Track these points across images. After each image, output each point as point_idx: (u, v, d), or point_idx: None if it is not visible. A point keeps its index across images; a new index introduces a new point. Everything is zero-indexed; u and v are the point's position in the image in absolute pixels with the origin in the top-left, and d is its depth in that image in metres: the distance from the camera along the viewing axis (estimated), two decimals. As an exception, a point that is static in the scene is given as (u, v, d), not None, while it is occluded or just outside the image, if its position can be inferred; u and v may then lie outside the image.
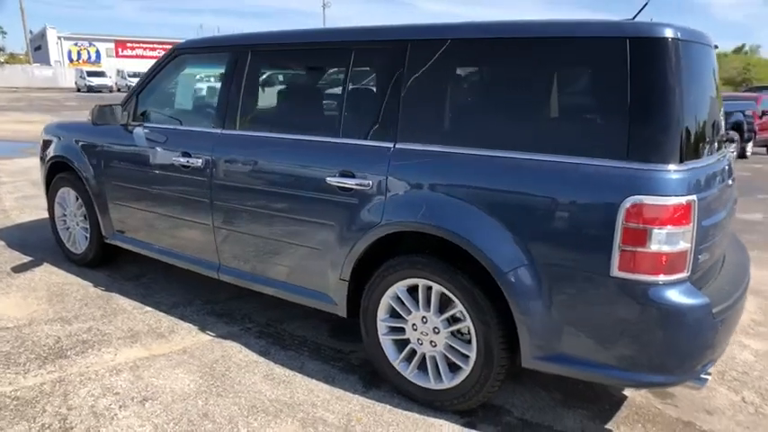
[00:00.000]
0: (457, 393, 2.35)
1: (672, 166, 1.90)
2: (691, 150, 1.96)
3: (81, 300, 3.50)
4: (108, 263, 4.05)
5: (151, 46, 49.43)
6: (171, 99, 3.51)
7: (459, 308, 2.28)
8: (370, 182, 2.40)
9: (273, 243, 2.84)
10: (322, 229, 2.60)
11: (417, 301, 2.40)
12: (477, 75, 2.36)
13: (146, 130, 3.35)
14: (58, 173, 4.04)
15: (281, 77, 3.10)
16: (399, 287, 2.43)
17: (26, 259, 4.19)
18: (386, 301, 2.48)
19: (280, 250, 2.83)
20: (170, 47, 3.47)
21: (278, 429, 2.28)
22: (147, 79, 3.48)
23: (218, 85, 3.11)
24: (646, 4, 2.45)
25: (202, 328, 3.16)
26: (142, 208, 3.45)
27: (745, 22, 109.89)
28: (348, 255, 2.52)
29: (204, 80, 3.74)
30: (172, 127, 3.29)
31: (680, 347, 1.95)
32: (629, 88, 1.92)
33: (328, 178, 2.52)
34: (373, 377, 2.68)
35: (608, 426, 2.37)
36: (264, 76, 2.99)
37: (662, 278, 1.90)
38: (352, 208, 2.47)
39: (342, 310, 2.65)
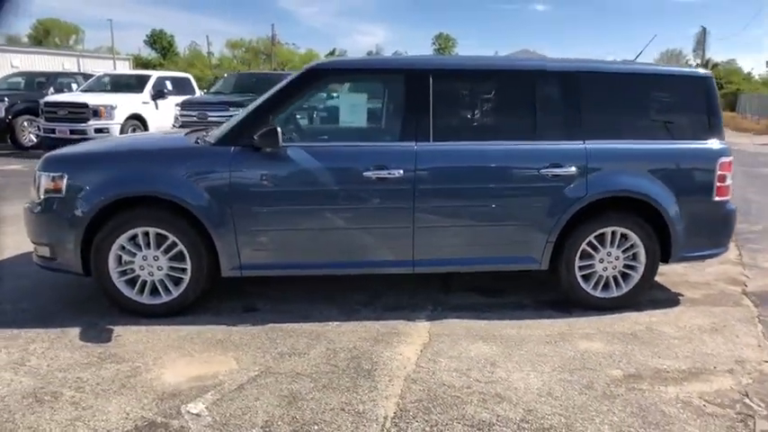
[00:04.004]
0: (631, 294, 3.78)
1: (723, 142, 3.80)
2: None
3: (270, 340, 3.27)
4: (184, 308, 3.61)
5: None
6: (329, 118, 3.55)
7: (633, 240, 3.70)
8: (574, 169, 3.54)
9: (480, 229, 3.59)
10: (532, 208, 3.57)
11: (603, 243, 3.70)
12: (633, 94, 3.75)
13: (309, 150, 3.39)
14: (110, 215, 3.36)
15: (471, 96, 3.69)
16: (592, 237, 3.67)
17: (74, 328, 3.31)
18: (582, 248, 3.68)
19: (486, 233, 3.60)
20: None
21: (586, 344, 3.25)
22: (281, 101, 3.47)
23: (388, 104, 3.52)
24: (641, 52, 4.31)
25: (410, 319, 3.56)
26: (307, 227, 3.46)
27: (326, 31, 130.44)
28: (557, 223, 3.59)
29: (370, 100, 3.75)
30: (352, 144, 3.48)
31: (729, 231, 3.91)
32: (706, 101, 3.73)
33: (541, 170, 3.52)
34: (559, 306, 3.81)
35: (674, 290, 4.20)
36: (453, 96, 3.58)
37: (727, 198, 3.80)
38: (560, 189, 3.56)
39: (545, 265, 3.69)
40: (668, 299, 4.05)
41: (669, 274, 4.55)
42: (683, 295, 4.13)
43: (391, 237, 3.53)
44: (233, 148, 3.38)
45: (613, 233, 3.70)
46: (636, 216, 3.67)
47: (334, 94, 3.94)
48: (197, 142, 3.62)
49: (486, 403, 2.64)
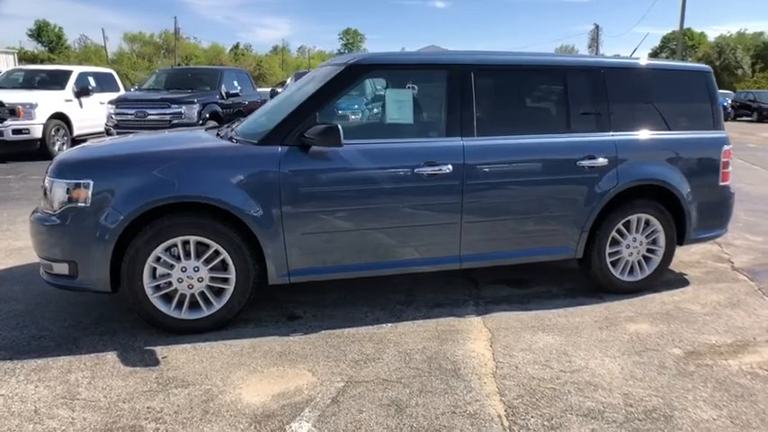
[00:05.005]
0: (652, 276, 4.01)
1: (725, 131, 4.12)
2: (721, 123, 4.23)
3: (333, 347, 3.11)
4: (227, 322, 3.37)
5: None
6: (374, 114, 3.40)
7: (654, 226, 3.92)
8: (606, 160, 3.69)
9: (523, 221, 3.63)
10: (570, 199, 3.67)
11: (629, 230, 3.89)
12: (649, 87, 3.93)
13: (361, 148, 3.26)
14: (141, 225, 3.05)
15: (510, 91, 3.66)
16: (620, 224, 3.85)
17: (108, 353, 2.96)
18: (611, 235, 3.85)
19: (528, 226, 3.65)
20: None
21: (634, 327, 3.41)
22: (326, 97, 3.31)
23: (432, 99, 3.46)
24: (635, 49, 4.57)
25: (459, 315, 3.54)
26: (359, 228, 3.32)
27: (227, 24, 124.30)
28: (591, 212, 3.72)
29: (414, 96, 3.55)
30: (404, 141, 3.38)
31: (730, 213, 4.25)
32: (708, 94, 4.04)
33: (578, 162, 3.63)
34: (588, 292, 3.96)
35: (677, 270, 4.51)
36: (494, 91, 3.56)
37: (729, 183, 4.13)
38: (594, 179, 3.69)
39: (580, 254, 3.82)
40: (676, 279, 4.34)
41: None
42: (686, 274, 4.45)
43: (440, 233, 3.49)
44: (280, 147, 3.18)
45: (638, 220, 3.90)
46: (657, 202, 3.89)
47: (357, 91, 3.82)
48: (232, 141, 3.36)
49: (583, 392, 2.68)
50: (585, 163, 3.65)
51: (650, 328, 3.43)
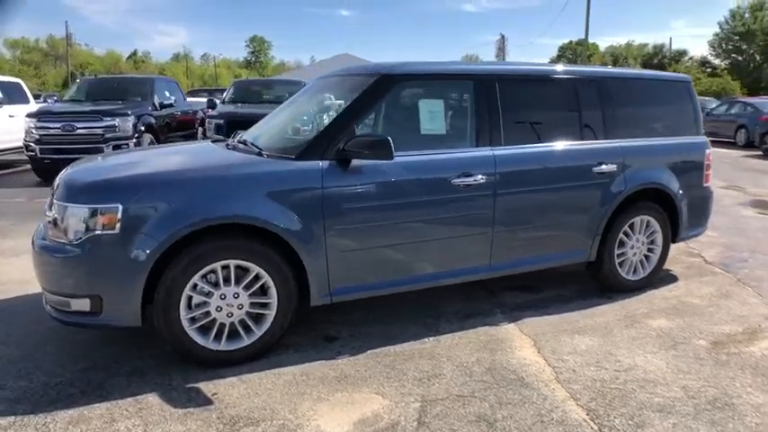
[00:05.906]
0: (652, 274, 4.27)
1: (704, 136, 4.49)
2: (701, 129, 4.61)
3: (388, 367, 2.99)
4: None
5: None
6: (407, 125, 3.33)
7: (654, 227, 4.19)
8: (615, 166, 3.89)
9: (547, 227, 3.74)
10: (587, 204, 3.84)
11: (633, 231, 4.12)
12: (646, 96, 4.19)
13: (404, 161, 3.19)
14: (176, 251, 2.80)
15: (530, 101, 3.69)
16: (625, 227, 4.07)
17: (148, 395, 2.67)
18: (620, 237, 4.05)
19: (552, 231, 3.77)
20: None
21: (655, 323, 3.60)
22: (362, 110, 3.22)
23: (460, 109, 3.48)
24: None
25: (493, 324, 3.57)
26: (402, 242, 3.25)
27: (120, 30, 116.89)
28: (604, 216, 3.91)
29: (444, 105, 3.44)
30: (442, 152, 3.36)
31: (710, 212, 4.63)
32: (691, 102, 4.39)
33: (593, 168, 3.80)
34: (598, 293, 4.14)
35: (665, 266, 4.83)
36: (516, 101, 3.60)
37: (710, 184, 4.50)
38: (606, 184, 3.88)
39: (593, 256, 3.98)
40: (666, 275, 4.63)
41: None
42: (671, 270, 4.78)
43: (474, 243, 3.50)
44: (321, 162, 3.03)
45: (641, 221, 4.14)
46: (656, 204, 4.16)
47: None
48: (262, 155, 3.16)
49: (645, 389, 2.79)
50: (599, 169, 3.82)
51: (668, 322, 3.65)
